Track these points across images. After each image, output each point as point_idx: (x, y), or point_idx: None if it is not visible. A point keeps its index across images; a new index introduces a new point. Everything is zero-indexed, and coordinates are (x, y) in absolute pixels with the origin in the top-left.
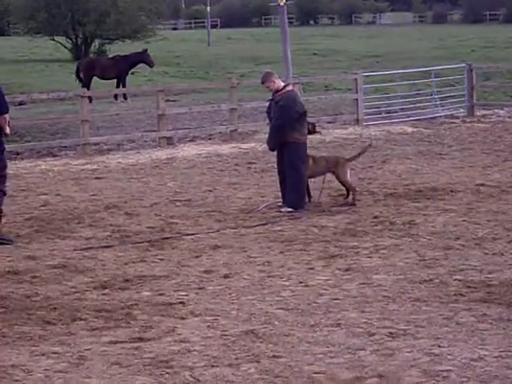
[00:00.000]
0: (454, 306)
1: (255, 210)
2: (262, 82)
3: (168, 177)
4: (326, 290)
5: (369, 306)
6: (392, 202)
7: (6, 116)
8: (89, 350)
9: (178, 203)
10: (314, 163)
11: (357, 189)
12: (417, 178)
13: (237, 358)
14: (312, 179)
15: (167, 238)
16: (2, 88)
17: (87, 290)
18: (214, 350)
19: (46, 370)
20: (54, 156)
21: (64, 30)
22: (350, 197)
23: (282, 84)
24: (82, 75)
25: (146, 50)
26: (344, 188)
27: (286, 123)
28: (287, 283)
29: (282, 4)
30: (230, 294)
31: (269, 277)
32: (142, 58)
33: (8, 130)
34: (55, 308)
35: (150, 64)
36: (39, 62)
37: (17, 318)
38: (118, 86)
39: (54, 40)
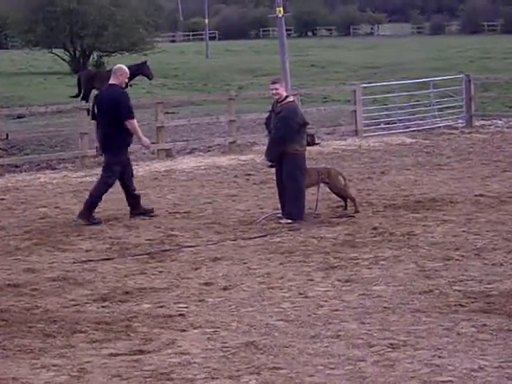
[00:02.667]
0: (454, 317)
1: (254, 222)
2: (273, 83)
3: (167, 189)
4: (325, 301)
5: (369, 317)
6: (391, 213)
7: (134, 121)
8: (89, 362)
9: (177, 215)
10: (306, 175)
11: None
12: (416, 189)
13: (237, 370)
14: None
15: (167, 250)
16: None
17: (87, 303)
18: (215, 362)
19: (46, 382)
20: (53, 169)
21: (62, 43)
22: (349, 209)
23: (285, 94)
24: (81, 87)
25: (145, 62)
26: (341, 199)
27: (287, 134)
28: (287, 295)
29: (280, 16)
30: (229, 305)
31: (268, 288)
32: (141, 69)
33: (144, 139)
34: (55, 321)
35: (149, 76)
36: (38, 74)
37: (17, 331)
38: None
39: (52, 53)
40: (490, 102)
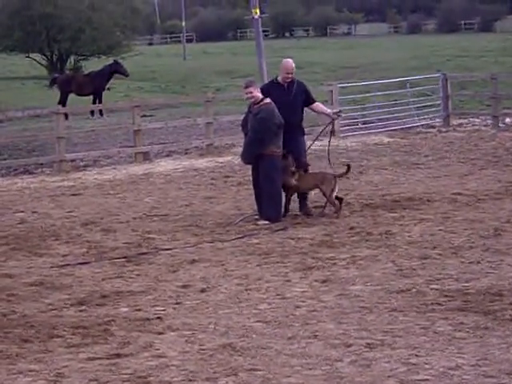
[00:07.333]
0: (431, 316)
1: (232, 224)
2: (246, 87)
3: (144, 192)
4: (303, 301)
5: (346, 317)
6: (368, 213)
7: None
8: (66, 367)
9: (154, 218)
10: (300, 179)
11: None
12: (393, 188)
13: (215, 372)
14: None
15: (144, 253)
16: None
17: (64, 307)
18: (192, 364)
19: None
20: (31, 173)
21: (39, 47)
22: (325, 210)
23: (261, 96)
24: (58, 91)
25: (116, 61)
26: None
27: (265, 136)
28: (264, 296)
29: (256, 17)
30: (207, 308)
31: (246, 290)
32: (115, 68)
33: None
34: (32, 326)
35: (125, 73)
36: (15, 79)
37: None
38: (94, 102)
39: (29, 57)
40: (467, 100)
